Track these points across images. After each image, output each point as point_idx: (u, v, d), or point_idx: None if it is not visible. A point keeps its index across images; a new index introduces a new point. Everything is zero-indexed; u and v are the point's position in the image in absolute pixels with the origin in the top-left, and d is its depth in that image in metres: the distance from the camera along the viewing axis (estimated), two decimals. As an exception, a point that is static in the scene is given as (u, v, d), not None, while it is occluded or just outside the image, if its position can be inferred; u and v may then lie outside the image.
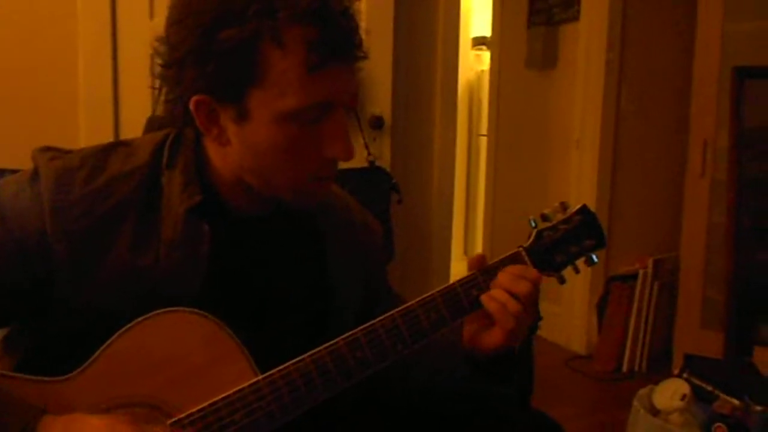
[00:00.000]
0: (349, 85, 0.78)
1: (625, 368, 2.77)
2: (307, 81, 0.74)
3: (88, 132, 2.00)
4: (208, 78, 0.75)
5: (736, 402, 1.66)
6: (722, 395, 1.70)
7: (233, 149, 0.80)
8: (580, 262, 0.87)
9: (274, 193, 0.83)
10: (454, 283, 0.83)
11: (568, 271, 0.88)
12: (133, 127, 1.84)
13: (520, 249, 0.85)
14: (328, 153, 0.79)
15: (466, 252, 4.32)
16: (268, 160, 0.79)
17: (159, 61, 0.80)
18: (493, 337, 0.83)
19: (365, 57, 0.79)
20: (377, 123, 2.31)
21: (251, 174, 0.81)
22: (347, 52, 0.77)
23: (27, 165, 0.82)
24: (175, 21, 0.77)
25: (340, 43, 0.75)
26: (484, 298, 0.81)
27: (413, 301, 0.82)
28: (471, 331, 0.85)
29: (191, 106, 0.78)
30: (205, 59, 0.74)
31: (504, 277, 0.82)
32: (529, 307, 0.81)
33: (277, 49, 0.73)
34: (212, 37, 0.73)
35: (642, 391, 1.79)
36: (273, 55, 0.73)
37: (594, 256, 0.87)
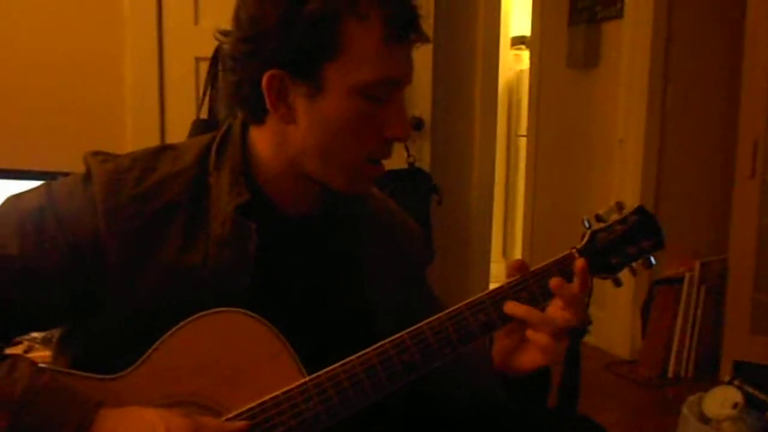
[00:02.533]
0: (412, 65, 0.83)
1: (670, 374, 2.70)
2: (384, 54, 0.78)
3: (135, 135, 2.05)
4: (289, 50, 0.78)
5: (790, 411, 1.60)
6: (776, 403, 1.65)
7: (297, 130, 0.81)
8: (637, 265, 0.85)
9: (330, 177, 0.84)
10: (503, 286, 0.82)
11: (623, 275, 0.85)
12: (179, 131, 1.88)
13: (573, 251, 0.84)
14: (389, 133, 0.82)
15: (504, 253, 4.28)
16: (334, 137, 0.80)
17: (236, 35, 0.81)
18: (529, 359, 0.82)
19: (428, 40, 0.83)
20: (417, 125, 2.30)
21: (312, 155, 0.82)
22: (417, 30, 0.81)
23: (77, 168, 0.84)
24: None
25: (412, 20, 0.80)
26: (530, 333, 0.80)
27: (461, 304, 0.81)
28: (502, 349, 0.84)
29: (264, 82, 0.79)
30: (289, 31, 0.77)
31: (551, 306, 0.81)
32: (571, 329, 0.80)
33: (358, 22, 0.77)
34: (299, 8, 0.76)
35: (691, 398, 1.75)
36: (354, 28, 0.77)
37: (652, 258, 0.85)
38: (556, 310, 0.81)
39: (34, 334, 1.42)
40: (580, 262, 0.81)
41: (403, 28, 0.79)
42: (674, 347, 2.71)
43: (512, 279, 0.82)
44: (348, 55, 0.77)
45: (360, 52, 0.77)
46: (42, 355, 1.39)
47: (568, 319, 0.79)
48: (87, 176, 0.82)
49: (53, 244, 0.78)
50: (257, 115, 0.83)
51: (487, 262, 2.71)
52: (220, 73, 0.86)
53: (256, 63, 0.79)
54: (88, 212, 0.79)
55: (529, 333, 0.81)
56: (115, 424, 0.72)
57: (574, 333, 0.81)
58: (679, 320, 2.71)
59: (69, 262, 0.78)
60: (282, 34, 0.77)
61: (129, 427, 0.72)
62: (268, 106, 0.81)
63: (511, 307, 0.80)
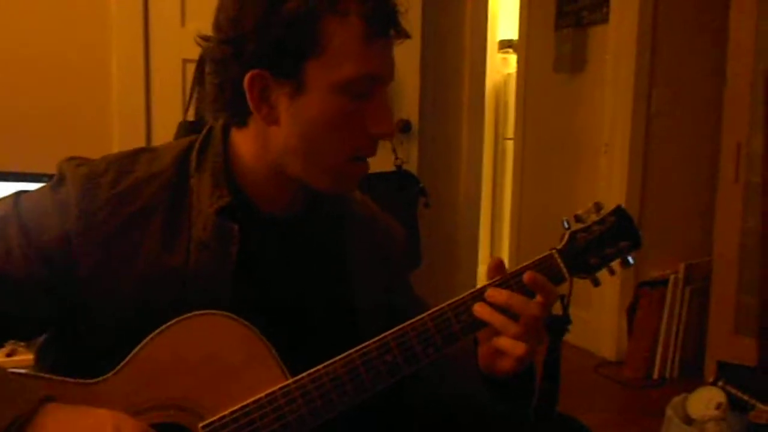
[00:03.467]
0: (393, 61, 0.83)
1: (655, 375, 2.72)
2: (363, 51, 0.78)
3: (121, 137, 2.04)
4: (269, 50, 0.78)
5: (772, 411, 1.62)
6: (759, 404, 1.67)
7: (280, 130, 0.81)
8: (615, 264, 0.86)
9: (314, 178, 0.84)
10: (485, 286, 0.82)
11: (601, 274, 0.86)
12: (165, 133, 1.87)
13: (553, 251, 0.84)
14: (373, 130, 0.82)
15: (492, 255, 4.30)
16: (317, 136, 0.80)
17: (216, 38, 0.81)
18: (505, 363, 0.82)
19: (409, 36, 0.83)
20: (405, 127, 2.31)
21: (295, 155, 0.82)
22: (396, 26, 0.82)
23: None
24: None
25: (391, 16, 0.81)
26: (497, 339, 0.80)
27: (444, 304, 0.81)
28: (486, 349, 0.84)
29: (245, 83, 0.79)
30: (267, 31, 0.77)
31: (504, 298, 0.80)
32: (534, 330, 0.80)
33: (337, 19, 0.77)
34: (277, 8, 0.76)
35: (675, 399, 1.76)
36: (333, 25, 0.77)
37: (630, 258, 0.85)
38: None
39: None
40: (527, 276, 0.80)
41: (383, 24, 0.79)
42: (659, 348, 2.73)
43: (494, 279, 0.82)
44: (328, 53, 0.77)
45: (340, 49, 0.77)
46: (25, 358, 1.38)
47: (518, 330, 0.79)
48: (59, 182, 0.81)
49: (20, 252, 0.77)
50: (240, 117, 0.83)
51: (475, 263, 2.73)
52: (206, 77, 0.86)
53: (238, 64, 0.79)
54: (57, 216, 0.78)
55: (493, 337, 0.81)
56: (59, 420, 0.69)
57: (535, 338, 0.81)
58: (664, 322, 2.73)
59: (40, 268, 0.77)
60: (261, 34, 0.77)
61: (73, 424, 0.70)
62: (250, 107, 0.81)
63: (477, 310, 0.80)
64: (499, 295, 0.80)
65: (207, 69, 0.84)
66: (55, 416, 0.70)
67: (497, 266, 0.83)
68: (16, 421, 0.68)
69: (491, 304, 0.80)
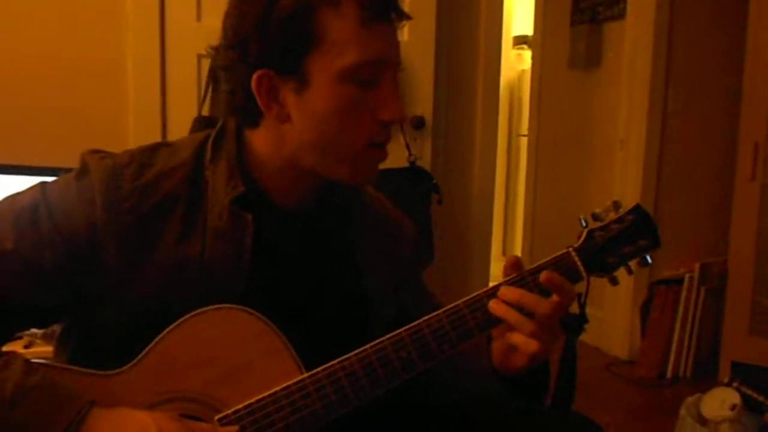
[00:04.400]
0: (396, 44, 0.84)
1: (669, 374, 2.71)
2: (362, 36, 0.79)
3: (137, 132, 2.05)
4: (270, 49, 0.79)
5: (788, 413, 1.61)
6: (774, 405, 1.65)
7: (293, 127, 0.82)
8: (633, 263, 0.85)
9: (331, 170, 0.84)
10: (501, 283, 0.82)
11: (619, 273, 0.86)
12: (180, 128, 1.88)
13: (570, 250, 0.84)
14: (383, 116, 0.82)
15: (504, 252, 4.29)
16: (329, 128, 0.81)
17: (223, 45, 0.83)
18: (519, 358, 0.83)
19: (409, 17, 0.84)
20: (418, 123, 2.31)
21: (310, 149, 0.83)
22: (394, 9, 0.82)
23: (78, 165, 0.85)
24: (237, 2, 0.82)
25: (386, 0, 0.81)
26: (511, 334, 0.80)
27: (459, 302, 0.81)
28: (500, 346, 0.85)
29: (253, 84, 0.80)
30: (266, 30, 0.78)
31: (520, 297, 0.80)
32: (548, 328, 0.80)
33: (332, 9, 0.78)
34: (272, 7, 0.78)
35: (689, 400, 1.75)
36: (329, 16, 0.78)
37: (648, 257, 0.85)
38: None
39: (35, 330, 1.43)
40: (544, 276, 0.80)
41: (379, 8, 0.80)
42: (673, 348, 2.71)
43: (509, 276, 0.82)
44: (327, 44, 0.78)
45: (338, 39, 0.78)
46: (43, 350, 1.40)
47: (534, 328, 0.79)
48: (82, 172, 0.82)
49: (49, 240, 0.78)
50: (253, 119, 0.84)
51: (487, 261, 2.71)
52: (220, 85, 0.87)
53: (244, 67, 0.81)
54: (84, 207, 0.79)
55: (507, 332, 0.81)
56: (106, 423, 0.72)
57: (553, 335, 0.81)
58: (679, 321, 2.71)
59: (65, 257, 0.79)
60: (261, 34, 0.79)
61: (120, 427, 0.72)
62: (261, 107, 0.82)
63: (492, 306, 0.80)
64: (512, 293, 0.80)
65: (221, 76, 0.86)
66: (101, 421, 0.72)
67: (513, 264, 0.83)
68: (70, 426, 0.71)
69: (505, 302, 0.80)
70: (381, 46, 0.80)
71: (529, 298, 0.79)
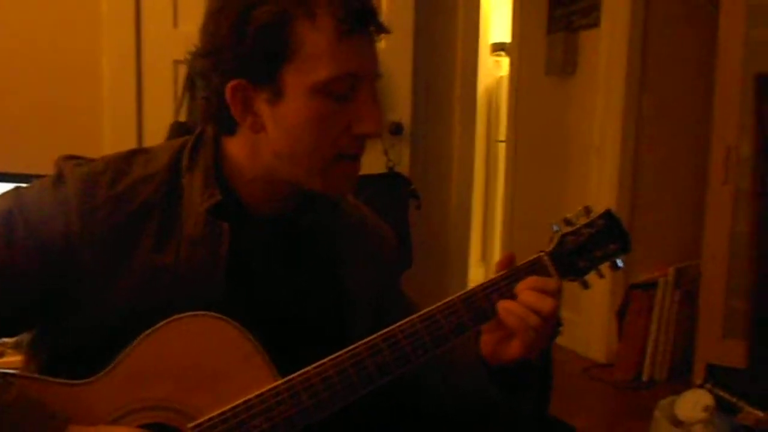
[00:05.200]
0: (374, 57, 0.82)
1: (645, 377, 2.74)
2: (338, 50, 0.78)
3: (112, 138, 2.03)
4: (245, 58, 0.78)
5: (760, 414, 1.64)
6: (746, 406, 1.68)
7: (267, 137, 0.82)
8: (604, 267, 0.86)
9: (305, 180, 0.84)
10: (474, 288, 0.83)
11: (591, 277, 0.87)
12: (156, 134, 1.87)
13: (542, 254, 0.84)
14: (358, 129, 0.81)
15: (483, 257, 4.31)
16: (302, 139, 0.80)
17: (199, 52, 0.82)
18: (512, 349, 0.83)
19: (387, 31, 0.83)
20: (396, 129, 2.32)
21: (284, 159, 0.82)
22: (372, 22, 0.81)
23: (52, 171, 0.84)
24: (213, 10, 0.81)
25: (364, 12, 0.80)
26: (502, 312, 0.81)
27: (433, 307, 0.82)
28: (489, 341, 0.85)
29: (227, 93, 0.80)
30: (241, 39, 0.78)
31: (524, 291, 0.81)
32: (550, 320, 0.81)
33: (308, 21, 0.77)
34: (248, 16, 0.77)
35: (663, 402, 1.77)
36: (304, 27, 0.77)
37: (619, 261, 0.86)
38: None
39: (5, 339, 1.40)
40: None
41: (355, 21, 0.78)
42: (649, 351, 2.74)
43: (485, 282, 0.83)
44: (302, 56, 0.77)
45: (313, 51, 0.77)
46: (13, 360, 1.37)
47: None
48: (58, 180, 0.81)
49: (23, 246, 0.78)
50: (229, 127, 0.84)
51: (466, 266, 2.73)
52: (197, 91, 0.87)
53: (218, 76, 0.80)
54: (59, 215, 0.79)
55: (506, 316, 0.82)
56: None
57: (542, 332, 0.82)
58: (654, 324, 2.74)
59: (40, 264, 0.78)
60: (235, 43, 0.78)
61: None
62: (235, 116, 0.81)
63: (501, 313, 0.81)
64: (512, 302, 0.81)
65: (198, 84, 0.85)
66: None
67: (508, 260, 0.84)
68: None
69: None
70: (357, 59, 0.79)
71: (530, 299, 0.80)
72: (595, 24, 2.92)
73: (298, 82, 0.78)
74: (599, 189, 2.93)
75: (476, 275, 3.72)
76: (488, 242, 4.32)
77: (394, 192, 2.25)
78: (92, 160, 0.84)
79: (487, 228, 4.34)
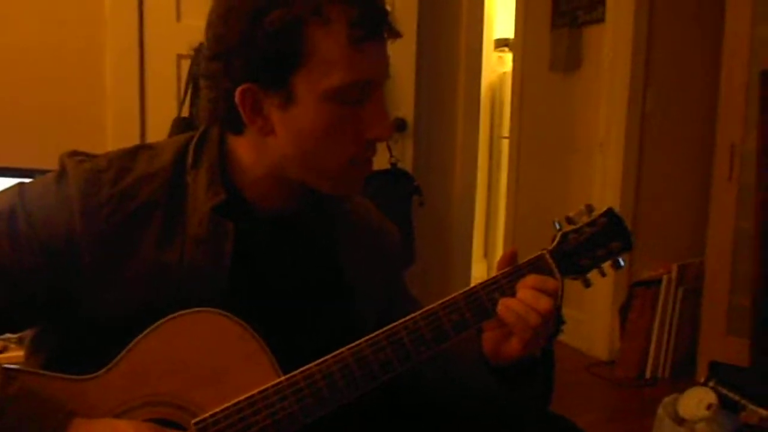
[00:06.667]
0: (386, 62, 0.82)
1: (648, 375, 2.74)
2: (351, 57, 0.77)
3: (115, 133, 2.03)
4: (256, 63, 0.77)
5: (763, 412, 1.63)
6: (750, 405, 1.67)
7: (276, 140, 0.81)
8: (606, 266, 0.86)
9: (314, 182, 0.84)
10: (476, 286, 0.82)
11: (593, 276, 0.86)
12: (159, 129, 1.87)
13: (544, 252, 0.84)
14: (369, 134, 0.81)
15: (486, 254, 4.30)
16: (313, 145, 0.80)
17: (207, 55, 0.81)
18: (511, 347, 0.83)
19: (400, 35, 0.82)
20: (400, 126, 2.31)
21: (294, 163, 0.82)
22: (385, 28, 0.80)
23: (56, 166, 0.83)
24: (222, 12, 0.79)
25: (378, 18, 0.79)
26: (501, 309, 0.81)
27: (435, 304, 0.82)
28: (491, 338, 0.85)
29: (237, 97, 0.79)
30: (253, 44, 0.76)
31: (523, 289, 0.81)
32: (549, 319, 0.80)
33: (321, 27, 0.76)
34: (259, 21, 0.76)
35: (667, 399, 1.77)
36: (318, 33, 0.76)
37: (621, 260, 0.85)
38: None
39: (9, 335, 1.41)
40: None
41: (370, 28, 0.77)
42: (652, 348, 2.74)
43: (486, 279, 0.83)
44: (315, 62, 0.77)
45: (326, 57, 0.76)
46: (17, 355, 1.38)
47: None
48: (61, 176, 0.81)
49: (26, 243, 0.77)
50: (236, 127, 0.84)
51: (468, 262, 2.72)
52: (200, 91, 0.86)
53: (228, 80, 0.79)
54: (62, 212, 0.78)
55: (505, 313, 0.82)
56: None
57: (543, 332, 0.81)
58: (657, 322, 2.74)
59: (42, 261, 0.78)
60: (247, 48, 0.77)
61: None
62: (245, 120, 0.81)
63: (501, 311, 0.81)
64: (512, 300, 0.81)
65: (201, 84, 0.84)
66: (81, 431, 0.71)
67: (510, 257, 0.83)
68: None
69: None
70: (370, 66, 0.79)
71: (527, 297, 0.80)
72: (600, 19, 2.91)
73: (309, 88, 0.77)
74: (603, 185, 2.92)
75: (479, 272, 3.72)
76: (491, 239, 4.32)
77: (397, 188, 2.25)
78: (96, 157, 0.84)
79: (490, 224, 4.33)
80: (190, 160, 0.84)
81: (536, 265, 0.83)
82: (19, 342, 1.41)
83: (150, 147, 0.87)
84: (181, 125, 1.73)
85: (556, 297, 0.81)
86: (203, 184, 0.83)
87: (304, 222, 0.90)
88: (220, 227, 0.82)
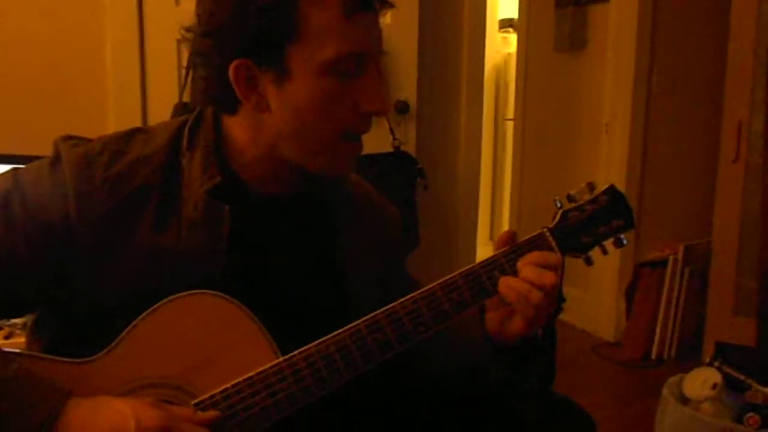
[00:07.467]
0: (379, 34, 0.82)
1: (654, 355, 2.73)
2: (343, 29, 0.77)
3: (116, 118, 2.03)
4: (249, 38, 0.77)
5: (768, 391, 1.62)
6: (755, 384, 1.67)
7: (271, 116, 0.81)
8: (608, 244, 0.85)
9: (308, 161, 0.83)
10: (475, 265, 0.82)
11: (597, 256, 0.86)
12: (161, 114, 1.86)
13: (544, 230, 0.84)
14: (364, 107, 0.81)
15: (492, 237, 4.30)
16: (309, 118, 0.80)
17: (198, 32, 0.81)
18: (514, 325, 0.82)
19: (392, 5, 0.81)
20: (402, 108, 2.30)
21: (289, 139, 0.82)
22: None
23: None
24: None
25: None
26: (502, 287, 0.80)
27: (434, 283, 0.81)
28: (493, 318, 0.85)
29: (231, 74, 0.79)
30: (245, 19, 0.76)
31: (525, 267, 0.80)
32: (551, 295, 0.80)
33: (313, 0, 0.76)
34: None
35: (672, 380, 1.77)
36: (310, 5, 0.76)
37: (623, 238, 0.85)
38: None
39: (15, 320, 1.41)
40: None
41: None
42: (658, 329, 2.73)
43: (486, 258, 0.82)
44: (308, 35, 0.76)
45: (320, 30, 0.76)
46: (22, 341, 1.38)
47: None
48: (55, 160, 0.81)
49: (22, 228, 0.77)
50: (231, 106, 0.83)
51: (474, 245, 2.72)
52: (196, 69, 0.85)
53: (220, 56, 0.79)
54: (57, 196, 0.78)
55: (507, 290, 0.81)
56: (84, 413, 0.72)
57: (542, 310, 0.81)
58: (663, 302, 2.73)
59: (39, 246, 0.78)
60: (239, 23, 0.76)
61: (99, 416, 0.71)
62: (239, 96, 0.80)
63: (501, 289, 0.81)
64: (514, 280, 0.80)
65: (195, 62, 0.84)
66: (79, 410, 0.72)
67: (509, 237, 0.83)
68: (48, 419, 0.70)
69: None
70: (364, 37, 0.79)
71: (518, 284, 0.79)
72: (605, -2, 2.87)
73: (303, 61, 0.77)
74: (609, 166, 2.90)
75: (484, 255, 3.67)
76: (496, 222, 4.31)
77: (400, 171, 2.24)
78: (90, 141, 0.84)
79: (495, 207, 4.32)
80: (185, 142, 0.84)
81: (536, 243, 0.83)
82: (25, 327, 1.42)
83: (145, 130, 0.87)
84: (182, 111, 1.72)
85: (559, 272, 0.80)
86: (198, 166, 0.83)
87: (300, 205, 0.90)
88: (216, 210, 0.82)
